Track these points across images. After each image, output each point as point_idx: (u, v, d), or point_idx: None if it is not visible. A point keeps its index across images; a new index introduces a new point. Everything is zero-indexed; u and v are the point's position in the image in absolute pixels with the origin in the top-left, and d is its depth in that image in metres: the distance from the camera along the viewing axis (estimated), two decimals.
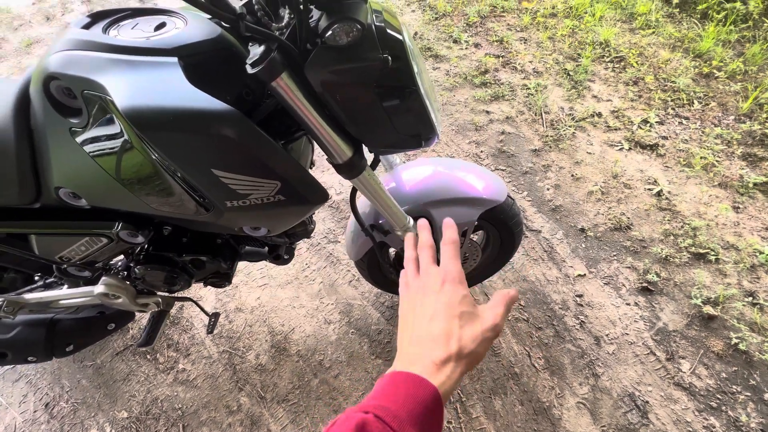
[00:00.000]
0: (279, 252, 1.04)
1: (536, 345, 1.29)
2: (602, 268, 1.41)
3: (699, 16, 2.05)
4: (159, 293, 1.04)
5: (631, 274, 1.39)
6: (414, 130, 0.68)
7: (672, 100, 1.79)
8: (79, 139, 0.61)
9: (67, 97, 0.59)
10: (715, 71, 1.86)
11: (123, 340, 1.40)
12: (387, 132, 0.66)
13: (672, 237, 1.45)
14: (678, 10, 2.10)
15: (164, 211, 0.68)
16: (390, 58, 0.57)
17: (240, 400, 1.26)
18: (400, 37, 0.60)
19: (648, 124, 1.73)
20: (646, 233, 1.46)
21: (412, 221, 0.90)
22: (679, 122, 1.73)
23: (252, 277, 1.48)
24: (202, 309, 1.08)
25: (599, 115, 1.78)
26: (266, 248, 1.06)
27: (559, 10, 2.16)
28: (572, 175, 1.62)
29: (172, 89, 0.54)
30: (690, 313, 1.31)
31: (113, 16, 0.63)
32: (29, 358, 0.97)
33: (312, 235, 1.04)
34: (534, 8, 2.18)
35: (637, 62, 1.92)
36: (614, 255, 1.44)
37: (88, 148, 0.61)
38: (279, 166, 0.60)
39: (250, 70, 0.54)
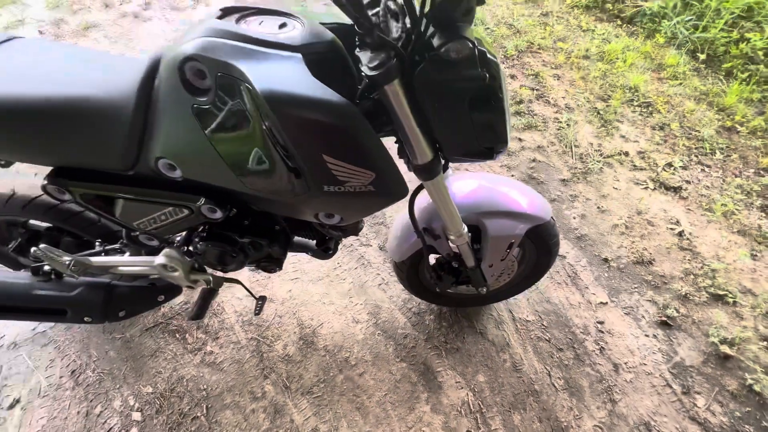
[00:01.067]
0: (329, 245, 1.10)
1: (557, 365, 1.33)
2: (623, 298, 1.46)
3: (724, 73, 2.18)
4: (210, 272, 1.09)
5: (651, 307, 1.44)
6: (490, 142, 0.74)
7: (695, 148, 1.89)
8: (199, 116, 0.67)
9: (198, 78, 0.66)
10: (737, 126, 1.96)
11: (153, 317, 1.44)
12: (468, 141, 0.73)
13: (692, 276, 1.50)
14: (704, 65, 2.22)
15: (257, 188, 0.74)
16: (487, 77, 0.65)
17: (265, 387, 1.28)
18: (495, 59, 0.67)
19: (672, 168, 1.81)
20: (666, 270, 1.52)
21: (466, 228, 0.96)
22: (701, 169, 1.82)
23: (284, 269, 1.52)
24: (250, 292, 1.13)
25: (626, 154, 1.87)
26: (314, 241, 1.11)
27: (592, 53, 2.29)
28: (598, 207, 1.69)
29: (301, 79, 0.61)
30: (707, 351, 1.35)
31: (241, 12, 0.71)
32: (86, 318, 1.00)
33: (358, 233, 1.09)
34: (569, 48, 2.31)
35: (663, 109, 2.02)
36: (635, 287, 1.49)
37: (205, 124, 0.67)
38: (378, 159, 0.67)
39: (368, 72, 0.61)
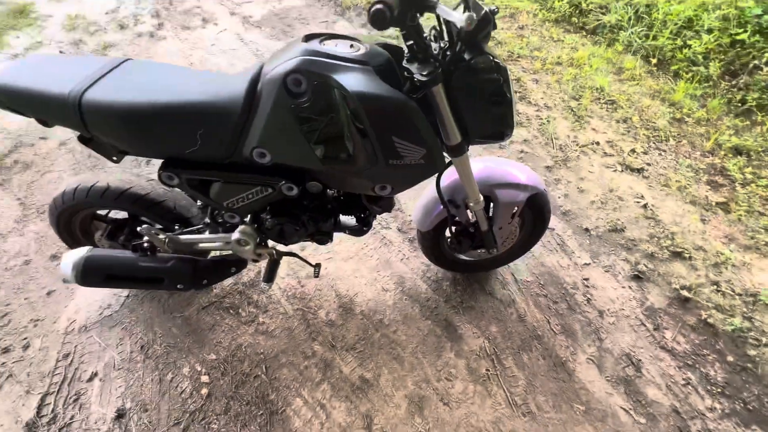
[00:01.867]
0: (369, 220, 1.34)
1: (553, 314, 1.61)
2: (603, 259, 1.77)
3: (672, 74, 2.58)
4: (272, 246, 1.32)
5: (625, 265, 1.76)
6: (502, 128, 1.02)
7: (653, 136, 2.25)
8: (296, 113, 0.92)
9: (296, 86, 0.91)
10: (685, 117, 2.34)
11: (207, 297, 1.64)
12: (487, 127, 1.01)
13: (656, 239, 1.83)
14: (656, 68, 2.62)
15: (332, 166, 0.99)
16: (501, 80, 0.93)
17: (314, 347, 1.51)
18: (505, 67, 0.96)
19: (635, 153, 2.16)
20: (636, 235, 1.85)
21: (482, 197, 1.23)
22: (658, 153, 2.18)
23: (319, 251, 1.76)
24: (306, 261, 1.36)
25: (597, 143, 2.21)
26: (354, 219, 1.36)
27: (563, 60, 2.66)
28: (578, 188, 2.01)
29: (377, 84, 0.87)
30: (671, 296, 1.67)
31: (320, 37, 0.97)
32: (179, 285, 1.21)
33: (391, 210, 1.34)
34: (543, 56, 2.67)
35: (625, 105, 2.39)
36: (612, 250, 1.80)
37: (300, 118, 0.92)
38: (429, 139, 0.94)
39: (421, 78, 0.88)
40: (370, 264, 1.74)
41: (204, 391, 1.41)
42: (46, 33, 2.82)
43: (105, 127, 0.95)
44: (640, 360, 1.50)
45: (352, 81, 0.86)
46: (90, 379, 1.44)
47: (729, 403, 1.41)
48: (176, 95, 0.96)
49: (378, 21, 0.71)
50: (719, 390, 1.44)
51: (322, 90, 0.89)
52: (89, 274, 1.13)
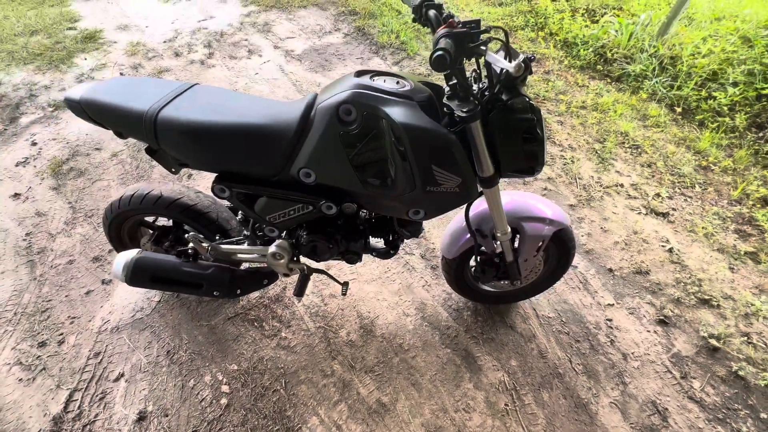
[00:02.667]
0: (397, 243, 1.40)
1: (576, 353, 1.59)
2: (627, 301, 1.76)
3: (697, 123, 2.62)
4: (303, 262, 1.38)
5: (650, 308, 1.73)
6: (533, 164, 1.08)
7: (678, 182, 2.26)
8: (344, 139, 1.01)
9: (346, 115, 1.00)
10: (711, 165, 2.36)
11: (234, 308, 1.70)
12: (519, 161, 1.07)
13: (682, 284, 1.81)
14: (680, 116, 2.67)
15: (372, 189, 1.07)
16: (535, 119, 1.01)
17: (333, 366, 1.52)
18: (538, 108, 1.03)
19: (660, 197, 2.18)
20: (661, 279, 1.83)
21: (509, 229, 1.28)
22: (684, 199, 2.18)
23: (343, 272, 1.81)
24: (335, 279, 1.42)
25: (621, 185, 2.24)
26: (382, 242, 1.42)
27: (588, 104, 2.74)
28: (601, 228, 2.03)
29: (421, 117, 0.96)
30: (698, 344, 1.62)
31: (370, 73, 1.07)
32: (215, 292, 1.28)
33: (419, 235, 1.40)
34: (568, 100, 2.77)
35: (650, 150, 2.43)
36: (636, 292, 1.79)
37: (347, 143, 1.01)
38: (466, 170, 1.01)
39: (462, 114, 0.96)
40: (392, 288, 1.77)
41: (223, 401, 1.44)
42: (110, 56, 3.12)
43: (173, 141, 1.07)
44: (666, 409, 1.45)
45: (399, 113, 0.95)
46: (116, 380, 1.49)
47: None
48: (238, 117, 1.07)
49: (439, 65, 0.80)
50: None
51: (370, 120, 0.98)
52: (138, 275, 1.21)
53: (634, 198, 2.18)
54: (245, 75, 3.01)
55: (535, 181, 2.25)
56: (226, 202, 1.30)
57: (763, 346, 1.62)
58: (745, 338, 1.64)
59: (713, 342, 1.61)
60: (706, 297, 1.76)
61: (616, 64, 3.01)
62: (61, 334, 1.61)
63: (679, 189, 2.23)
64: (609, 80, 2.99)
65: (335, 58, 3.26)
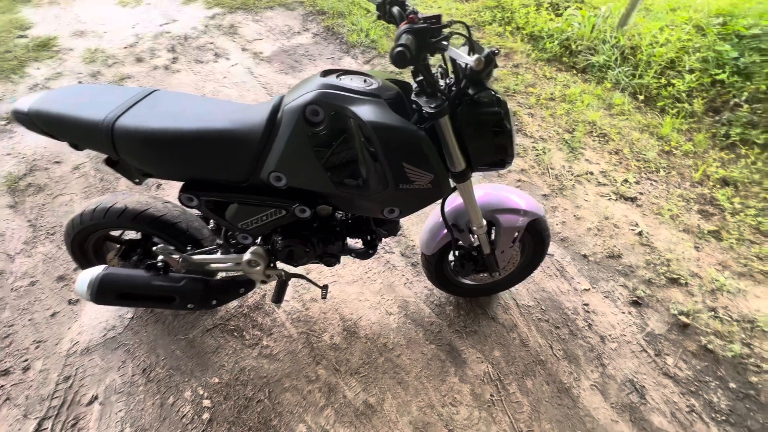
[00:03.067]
0: (375, 243, 1.39)
1: (556, 340, 1.62)
2: (602, 284, 1.81)
3: (659, 110, 2.73)
4: (280, 267, 1.36)
5: (624, 290, 1.79)
6: (504, 156, 1.10)
7: (644, 167, 2.35)
8: (313, 141, 0.99)
9: (314, 116, 0.98)
10: (673, 149, 2.46)
11: (212, 319, 1.65)
12: (489, 154, 1.08)
13: (652, 265, 1.88)
14: (643, 104, 2.78)
15: (345, 190, 1.05)
16: (502, 112, 1.02)
17: (318, 371, 1.50)
18: (505, 101, 1.04)
19: (628, 183, 2.25)
20: (632, 261, 1.90)
21: (485, 222, 1.29)
22: (650, 183, 2.27)
23: (323, 275, 1.79)
24: (314, 282, 1.39)
25: (591, 173, 2.31)
26: (360, 242, 1.40)
27: (556, 96, 2.81)
28: (574, 215, 2.08)
29: (390, 115, 0.95)
30: (670, 322, 1.69)
31: (336, 72, 1.06)
32: (189, 305, 1.23)
33: (397, 233, 1.39)
34: (537, 92, 2.83)
35: (616, 138, 2.51)
36: (610, 276, 1.84)
37: (317, 144, 0.99)
38: (437, 166, 1.01)
39: (430, 110, 0.96)
40: (374, 288, 1.76)
41: (206, 416, 1.40)
42: (66, 65, 2.97)
43: (133, 151, 1.02)
44: (643, 386, 1.51)
45: (366, 112, 0.94)
46: (90, 403, 1.42)
47: (735, 431, 1.41)
48: (201, 122, 1.03)
49: (399, 61, 0.79)
50: (724, 418, 1.44)
51: (338, 120, 0.96)
52: (104, 293, 1.16)
53: (604, 185, 2.25)
54: (213, 79, 2.93)
55: (508, 173, 2.29)
56: (196, 211, 1.25)
57: (729, 319, 1.70)
58: (712, 313, 1.72)
59: (683, 319, 1.69)
60: (675, 276, 1.83)
61: (580, 55, 3.10)
62: (26, 360, 1.52)
63: (645, 174, 2.32)
64: (575, 72, 3.07)
65: (305, 58, 3.22)
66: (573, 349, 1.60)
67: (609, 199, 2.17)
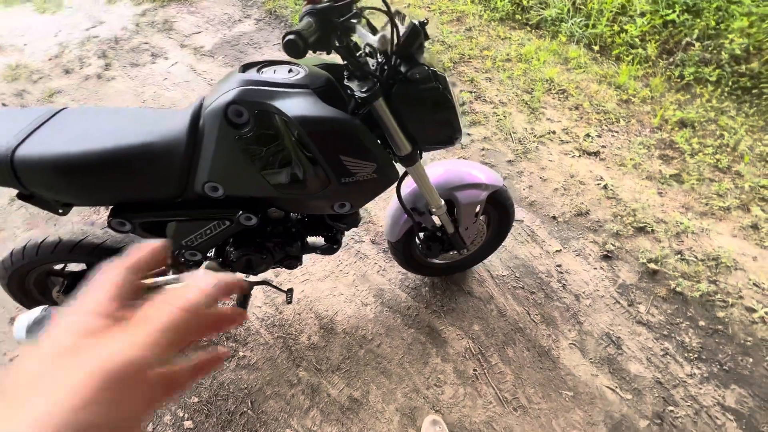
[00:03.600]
0: (336, 237, 1.34)
1: (532, 305, 1.64)
2: (572, 244, 1.82)
3: (614, 58, 2.71)
4: (240, 277, 1.29)
5: (594, 246, 1.81)
6: (450, 132, 1.05)
7: (604, 120, 2.34)
8: (241, 144, 0.91)
9: (237, 117, 0.90)
10: (631, 98, 2.46)
11: None
12: (434, 134, 1.03)
13: (619, 217, 1.90)
14: (599, 54, 2.75)
15: (287, 192, 0.99)
16: (441, 87, 0.95)
17: (299, 374, 1.48)
18: (443, 75, 0.98)
19: (590, 137, 2.25)
20: (600, 216, 1.91)
21: (443, 201, 1.25)
22: (612, 135, 2.27)
23: (294, 275, 1.73)
24: (277, 287, 1.34)
25: (554, 132, 2.29)
26: (323, 239, 1.35)
27: (513, 57, 2.75)
28: (540, 178, 2.07)
29: (318, 106, 0.88)
30: (640, 270, 1.73)
31: (257, 65, 0.97)
32: None
33: (358, 224, 1.34)
34: (493, 55, 2.75)
35: (575, 93, 2.49)
36: (580, 234, 1.86)
37: (246, 148, 0.91)
38: (378, 154, 0.95)
39: (361, 95, 0.89)
40: (347, 280, 1.72)
41: None
42: None
43: (42, 181, 0.92)
44: (619, 338, 1.54)
45: (293, 106, 0.87)
46: None
47: (707, 367, 1.46)
48: (115, 140, 0.94)
49: (291, 51, 0.72)
50: (696, 355, 1.49)
51: (263, 118, 0.89)
52: None
53: (567, 142, 2.23)
54: (152, 82, 2.73)
55: (472, 142, 2.24)
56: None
57: (694, 259, 1.74)
58: (679, 256, 1.76)
59: (652, 266, 1.72)
60: (641, 225, 1.86)
61: (532, 11, 3.02)
62: None
63: (606, 126, 2.31)
64: (529, 29, 3.00)
65: (250, 48, 3.03)
66: (550, 311, 1.62)
67: (573, 157, 2.16)
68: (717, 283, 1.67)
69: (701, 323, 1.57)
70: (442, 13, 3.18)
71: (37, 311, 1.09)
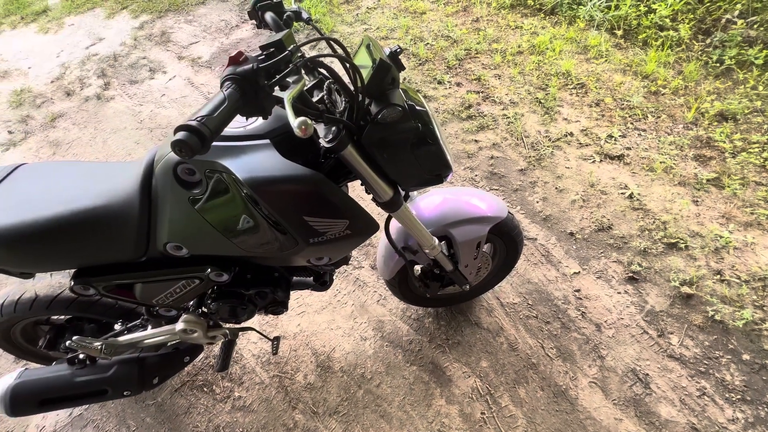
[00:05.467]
0: (324, 278, 1.23)
1: (547, 337, 1.49)
2: (593, 264, 1.64)
3: (641, 43, 2.42)
4: (225, 326, 1.22)
5: (618, 267, 1.62)
6: (437, 170, 0.91)
7: (629, 116, 2.10)
8: (196, 205, 0.81)
9: (189, 176, 0.80)
10: (661, 89, 2.19)
11: (180, 377, 1.54)
12: (417, 174, 0.89)
13: (647, 231, 1.69)
14: (623, 40, 2.47)
15: (254, 251, 0.89)
16: (420, 125, 0.81)
17: (295, 417, 1.40)
18: (424, 109, 0.84)
19: (613, 138, 2.02)
20: (625, 231, 1.71)
21: (437, 240, 1.12)
22: (638, 134, 2.03)
23: (290, 307, 1.65)
24: (264, 335, 1.26)
25: (571, 134, 2.07)
26: (312, 277, 1.25)
27: (524, 48, 2.51)
28: (556, 188, 1.88)
29: (273, 162, 0.76)
30: (671, 294, 1.53)
31: None
32: (125, 393, 1.12)
33: (348, 262, 1.23)
34: (503, 48, 2.53)
35: (596, 87, 2.24)
36: (601, 252, 1.67)
37: (202, 209, 0.82)
38: (348, 209, 0.82)
39: (326, 145, 0.77)
40: (345, 312, 1.63)
41: None
42: None
43: None
44: (647, 374, 1.38)
45: (243, 164, 0.75)
46: None
47: (752, 410, 1.28)
48: (67, 203, 0.86)
49: (183, 154, 0.54)
50: (739, 396, 1.30)
51: (215, 177, 0.78)
52: (20, 404, 1.04)
53: (586, 145, 2.02)
54: (150, 100, 2.69)
55: (480, 150, 2.07)
56: None
57: (737, 279, 1.53)
58: (718, 276, 1.55)
59: (686, 289, 1.52)
60: (673, 240, 1.65)
61: None
62: None
63: (632, 124, 2.08)
64: (543, 15, 2.74)
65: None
66: (567, 344, 1.47)
67: (593, 162, 1.95)
68: (765, 308, 1.46)
69: (745, 357, 1.37)
70: (447, 4, 2.95)
71: (9, 379, 1.05)
